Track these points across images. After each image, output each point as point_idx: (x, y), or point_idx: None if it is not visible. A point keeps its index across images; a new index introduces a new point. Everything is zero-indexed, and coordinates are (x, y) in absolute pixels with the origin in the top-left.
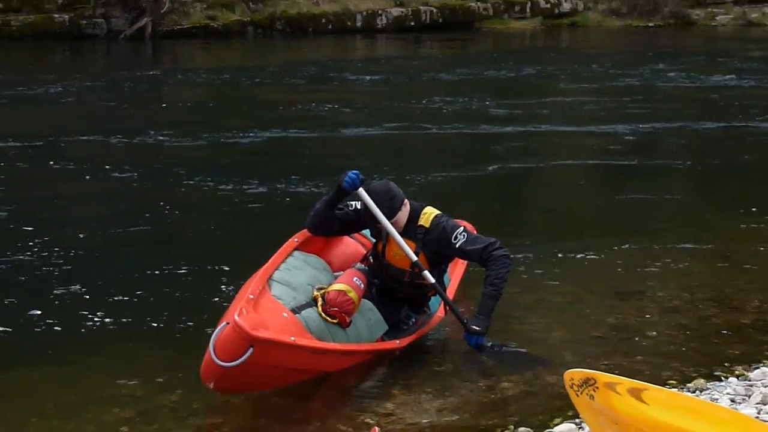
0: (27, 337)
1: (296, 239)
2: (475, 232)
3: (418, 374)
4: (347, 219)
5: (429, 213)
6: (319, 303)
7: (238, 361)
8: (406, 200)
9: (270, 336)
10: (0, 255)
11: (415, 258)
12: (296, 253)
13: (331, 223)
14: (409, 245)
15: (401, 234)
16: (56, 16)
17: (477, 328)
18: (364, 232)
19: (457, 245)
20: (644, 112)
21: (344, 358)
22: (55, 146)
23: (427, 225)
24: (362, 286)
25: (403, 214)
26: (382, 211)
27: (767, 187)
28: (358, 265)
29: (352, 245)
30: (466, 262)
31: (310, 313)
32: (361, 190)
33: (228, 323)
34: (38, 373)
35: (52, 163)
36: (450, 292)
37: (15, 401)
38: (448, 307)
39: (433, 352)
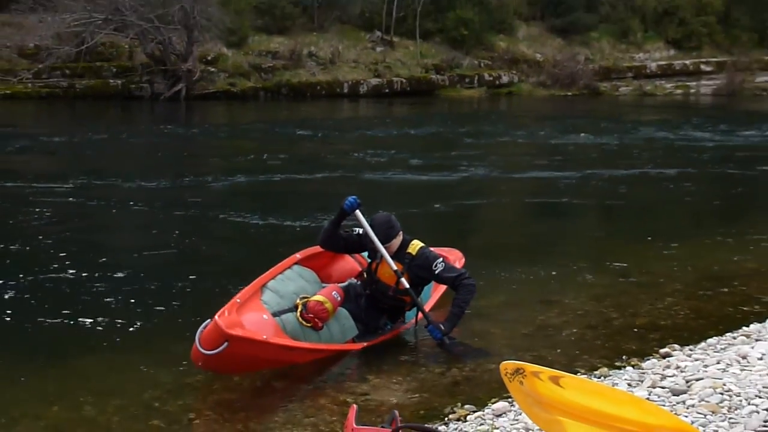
0: (77, 335)
1: (298, 255)
2: (462, 259)
3: (390, 364)
4: (351, 240)
5: (416, 244)
6: (299, 309)
7: (215, 351)
8: (401, 232)
9: (242, 334)
10: (57, 272)
11: (401, 275)
12: (295, 267)
13: (337, 240)
14: (397, 266)
15: (392, 257)
16: (111, 81)
17: (442, 328)
18: (363, 253)
19: (436, 272)
20: (561, 160)
21: (311, 354)
22: (105, 183)
23: (414, 253)
24: (339, 299)
25: (396, 242)
26: (379, 237)
27: (658, 221)
28: (352, 280)
29: (351, 263)
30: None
31: (288, 317)
32: (358, 212)
33: (211, 320)
34: (92, 359)
35: (101, 196)
36: (429, 305)
37: (79, 382)
38: (421, 313)
39: (402, 347)
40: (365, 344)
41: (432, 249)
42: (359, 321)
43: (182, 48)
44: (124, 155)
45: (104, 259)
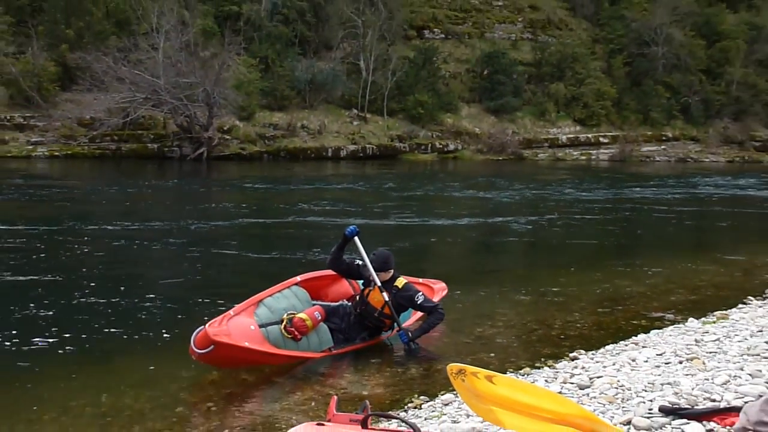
0: (118, 341)
1: (298, 278)
2: (446, 290)
3: (363, 365)
4: (352, 267)
5: (402, 280)
6: (284, 323)
7: (205, 351)
8: (392, 269)
9: (225, 340)
10: (99, 294)
11: (387, 298)
12: (293, 287)
13: (340, 264)
14: (377, 292)
15: (385, 285)
16: (149, 145)
17: (409, 334)
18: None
19: (418, 302)
20: (494, 209)
21: (287, 359)
22: (141, 224)
23: (400, 287)
24: (320, 318)
25: (386, 275)
26: (375, 265)
27: (568, 254)
28: (344, 302)
29: (345, 287)
30: (438, 293)
31: (273, 328)
32: (356, 239)
33: (203, 327)
34: (130, 360)
35: (138, 234)
36: (410, 321)
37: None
38: (398, 327)
39: (374, 353)
40: (335, 352)
41: (422, 280)
42: (342, 334)
43: (204, 120)
44: (157, 202)
45: (139, 283)
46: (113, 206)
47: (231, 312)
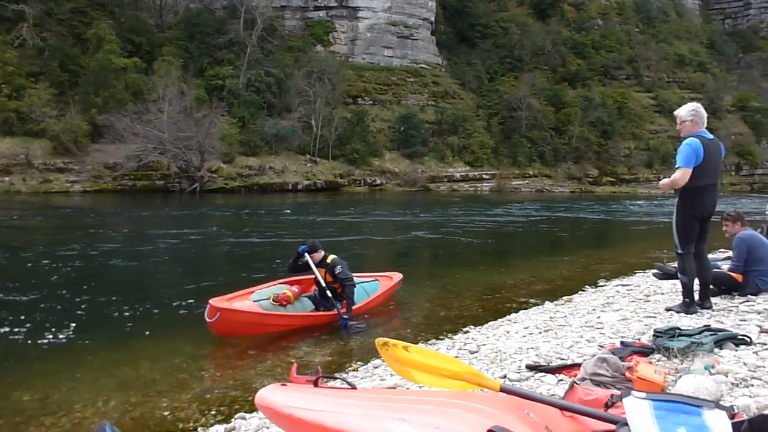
0: (136, 323)
1: (281, 279)
2: (400, 278)
3: (316, 339)
4: (300, 266)
5: (332, 257)
6: (271, 298)
7: (213, 319)
8: (321, 250)
9: (226, 306)
10: (117, 291)
11: (323, 282)
12: (279, 284)
13: (296, 267)
14: (321, 272)
15: (317, 265)
16: (157, 182)
17: (346, 317)
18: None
19: (336, 272)
20: (408, 226)
21: (279, 319)
22: (149, 239)
23: (329, 262)
24: (297, 291)
25: (319, 255)
26: (309, 249)
27: (461, 257)
28: (315, 290)
29: (311, 282)
30: (396, 281)
31: (264, 302)
32: (306, 255)
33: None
34: (145, 339)
35: (149, 246)
36: (380, 298)
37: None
38: (346, 302)
39: (325, 331)
40: (312, 313)
41: (380, 273)
42: (316, 303)
43: (198, 163)
44: (162, 224)
45: (152, 283)
46: (131, 225)
47: (229, 295)
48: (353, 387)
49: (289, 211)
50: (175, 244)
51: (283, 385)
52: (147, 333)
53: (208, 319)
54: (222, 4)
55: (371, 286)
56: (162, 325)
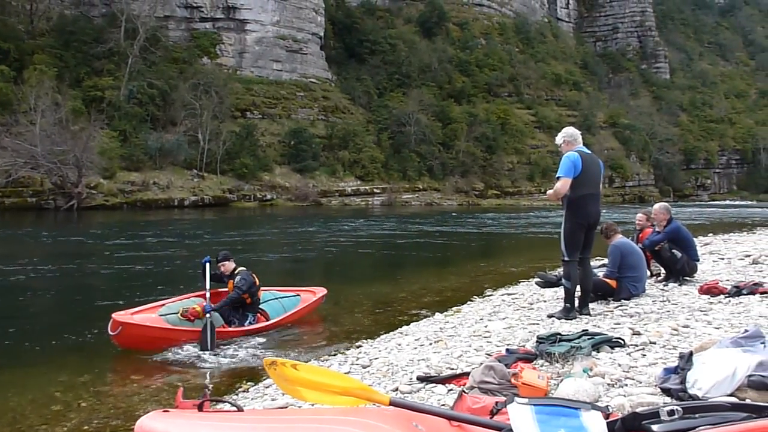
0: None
1: (196, 293)
2: (324, 293)
3: (206, 361)
4: (218, 278)
5: (240, 269)
6: (180, 312)
7: (116, 332)
8: (232, 260)
9: (128, 320)
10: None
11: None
12: (192, 297)
13: (213, 279)
14: (230, 284)
15: (228, 277)
16: (29, 199)
17: (212, 306)
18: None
19: (235, 282)
20: (302, 241)
21: (182, 334)
22: (17, 262)
23: (236, 273)
24: (205, 305)
25: (230, 264)
26: (220, 258)
27: (354, 271)
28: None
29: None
30: (320, 296)
31: (171, 317)
32: (207, 265)
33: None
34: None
35: (16, 269)
36: (298, 313)
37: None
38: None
39: (222, 350)
40: (225, 328)
41: (303, 288)
42: (226, 317)
43: (75, 179)
44: (34, 245)
45: (20, 313)
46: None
47: (137, 307)
48: (240, 409)
49: (172, 229)
50: (51, 270)
51: (165, 411)
52: (15, 363)
53: (110, 332)
54: (101, 12)
55: (290, 302)
56: (32, 355)
